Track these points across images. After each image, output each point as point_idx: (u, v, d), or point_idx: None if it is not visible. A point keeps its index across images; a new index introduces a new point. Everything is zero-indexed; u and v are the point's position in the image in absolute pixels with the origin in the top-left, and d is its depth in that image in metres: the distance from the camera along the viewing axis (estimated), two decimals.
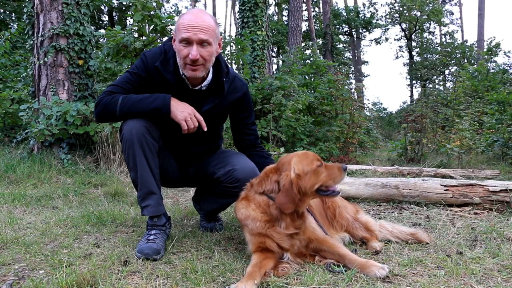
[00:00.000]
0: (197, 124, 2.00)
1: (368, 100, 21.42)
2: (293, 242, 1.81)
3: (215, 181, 2.24)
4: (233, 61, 8.76)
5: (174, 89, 2.06)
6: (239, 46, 7.29)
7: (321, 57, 15.34)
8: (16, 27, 11.05)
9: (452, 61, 25.59)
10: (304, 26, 24.11)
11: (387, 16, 29.12)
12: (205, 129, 2.04)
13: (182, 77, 2.06)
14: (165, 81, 2.05)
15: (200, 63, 1.96)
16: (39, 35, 5.48)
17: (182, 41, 1.92)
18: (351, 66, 30.17)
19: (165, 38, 5.73)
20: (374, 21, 28.29)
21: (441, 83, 27.59)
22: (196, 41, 1.91)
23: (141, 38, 5.47)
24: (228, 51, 8.61)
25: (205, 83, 2.11)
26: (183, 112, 1.96)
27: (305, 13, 22.19)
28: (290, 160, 1.81)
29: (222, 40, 2.18)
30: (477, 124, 8.21)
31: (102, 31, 14.50)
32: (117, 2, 17.53)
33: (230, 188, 2.19)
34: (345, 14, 27.93)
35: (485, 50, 19.88)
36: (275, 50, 26.90)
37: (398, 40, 32.43)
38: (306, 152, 1.89)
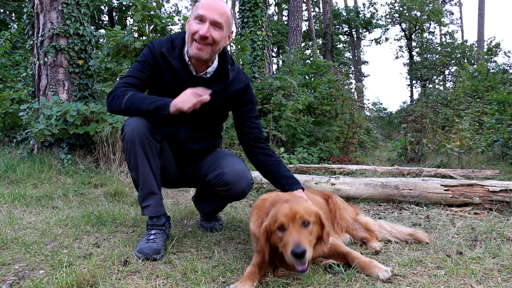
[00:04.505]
0: (194, 100, 1.90)
1: (368, 100, 21.49)
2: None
3: (207, 184, 2.25)
4: (231, 57, 8.75)
5: (178, 76, 2.09)
6: (239, 46, 7.29)
7: (321, 57, 15.35)
8: (16, 27, 11.04)
9: (452, 61, 25.60)
10: (304, 26, 24.12)
11: (387, 16, 29.14)
12: (207, 98, 1.92)
13: (187, 63, 2.09)
14: (170, 67, 2.08)
15: (209, 42, 1.97)
16: (39, 35, 5.48)
17: (197, 17, 1.96)
18: (351, 66, 30.17)
19: None
20: (374, 21, 28.30)
21: (441, 83, 27.60)
22: (210, 20, 1.94)
23: (141, 38, 5.46)
24: (228, 51, 8.61)
25: (210, 69, 2.13)
26: (178, 98, 1.91)
27: (305, 13, 22.18)
28: (273, 205, 1.67)
29: (233, 34, 2.20)
30: (477, 124, 8.21)
31: (102, 31, 14.51)
32: (117, 2, 17.52)
33: (220, 191, 2.20)
34: (345, 14, 27.94)
35: (485, 50, 19.89)
36: (275, 50, 26.89)
37: (398, 40, 32.49)
38: (288, 208, 1.59)
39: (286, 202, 1.66)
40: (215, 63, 2.14)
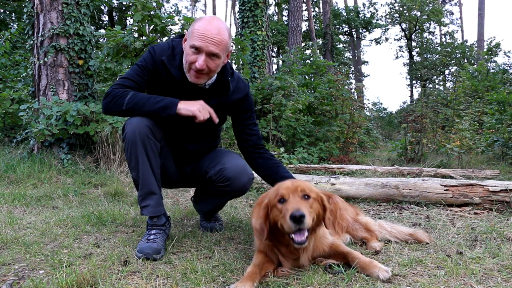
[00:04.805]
0: (208, 115, 2.01)
1: (368, 100, 21.47)
2: (297, 264, 1.74)
3: (208, 180, 2.26)
4: (233, 61, 8.76)
5: (178, 84, 2.09)
6: (239, 46, 7.29)
7: (321, 57, 15.34)
8: (16, 27, 11.04)
9: (452, 61, 25.60)
10: (304, 26, 24.11)
11: (387, 16, 29.14)
12: (217, 120, 2.08)
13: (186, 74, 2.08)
14: (169, 75, 2.07)
15: (205, 72, 1.99)
16: (39, 35, 5.48)
17: (193, 47, 1.94)
18: (351, 66, 30.16)
19: (165, 38, 5.73)
20: (374, 21, 28.30)
21: (441, 83, 27.60)
22: (206, 52, 1.93)
23: (141, 38, 5.46)
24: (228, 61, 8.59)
25: (209, 82, 2.12)
26: (194, 105, 1.98)
27: (305, 13, 22.18)
28: (276, 186, 1.73)
29: (232, 51, 2.19)
30: (477, 124, 8.21)
31: (102, 31, 14.49)
32: (117, 2, 17.52)
33: (221, 187, 2.21)
34: (345, 14, 27.93)
35: (485, 50, 19.89)
36: (275, 50, 26.89)
37: (398, 40, 32.49)
38: (290, 183, 1.68)
39: (288, 180, 1.75)
40: (214, 75, 2.13)
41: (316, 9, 30.34)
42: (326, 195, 2.33)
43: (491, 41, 20.50)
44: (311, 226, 1.61)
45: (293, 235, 1.56)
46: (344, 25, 28.60)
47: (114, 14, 20.78)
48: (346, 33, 29.89)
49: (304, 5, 18.08)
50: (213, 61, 1.96)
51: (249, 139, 2.30)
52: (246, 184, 2.22)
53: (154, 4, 5.56)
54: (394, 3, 28.14)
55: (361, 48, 31.40)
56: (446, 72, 27.09)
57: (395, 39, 39.70)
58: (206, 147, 2.36)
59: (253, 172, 2.29)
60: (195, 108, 1.96)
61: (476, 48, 24.26)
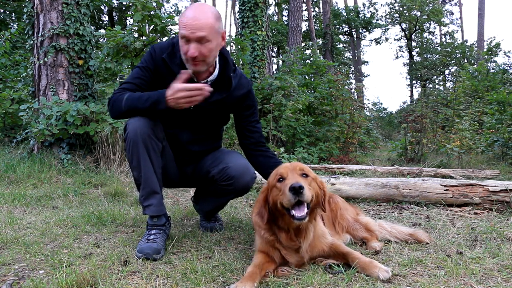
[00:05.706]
0: (179, 94, 1.87)
1: (368, 100, 21.46)
2: (300, 259, 1.74)
3: (210, 180, 2.26)
4: (233, 61, 8.74)
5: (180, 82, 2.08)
6: (239, 46, 7.28)
7: (321, 57, 15.32)
8: (16, 27, 11.05)
9: (452, 61, 25.59)
10: (304, 26, 24.10)
11: (387, 16, 29.14)
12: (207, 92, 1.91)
13: (188, 70, 2.07)
14: (171, 73, 2.06)
15: (200, 59, 1.97)
16: (39, 35, 5.48)
17: (182, 37, 1.94)
18: (351, 66, 30.16)
19: (165, 38, 5.73)
20: (374, 21, 28.30)
21: (441, 83, 27.60)
22: (194, 39, 1.91)
23: (141, 38, 5.46)
24: (228, 51, 8.60)
25: (211, 77, 2.12)
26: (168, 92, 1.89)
27: (305, 13, 22.17)
28: (275, 169, 1.76)
29: (226, 33, 2.15)
30: (477, 124, 8.21)
31: (102, 31, 14.49)
32: (117, 2, 17.53)
33: (224, 186, 2.21)
34: (345, 14, 27.94)
35: (485, 50, 19.89)
36: (275, 50, 26.88)
37: (398, 40, 32.48)
38: (288, 163, 1.76)
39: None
40: (216, 71, 2.13)
41: (316, 9, 30.34)
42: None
43: (491, 41, 20.50)
44: (310, 201, 1.62)
45: (293, 211, 1.58)
46: (344, 25, 28.60)
47: (114, 14, 20.78)
48: (346, 33, 29.89)
49: (304, 5, 18.07)
50: (204, 46, 1.93)
51: (251, 136, 2.29)
52: (249, 183, 2.23)
53: (154, 4, 5.56)
54: (394, 3, 28.15)
55: (361, 48, 31.41)
56: (446, 72, 27.11)
57: (395, 39, 39.75)
58: (208, 147, 2.36)
59: (255, 171, 2.29)
60: (179, 102, 1.87)
61: (476, 48, 24.26)
